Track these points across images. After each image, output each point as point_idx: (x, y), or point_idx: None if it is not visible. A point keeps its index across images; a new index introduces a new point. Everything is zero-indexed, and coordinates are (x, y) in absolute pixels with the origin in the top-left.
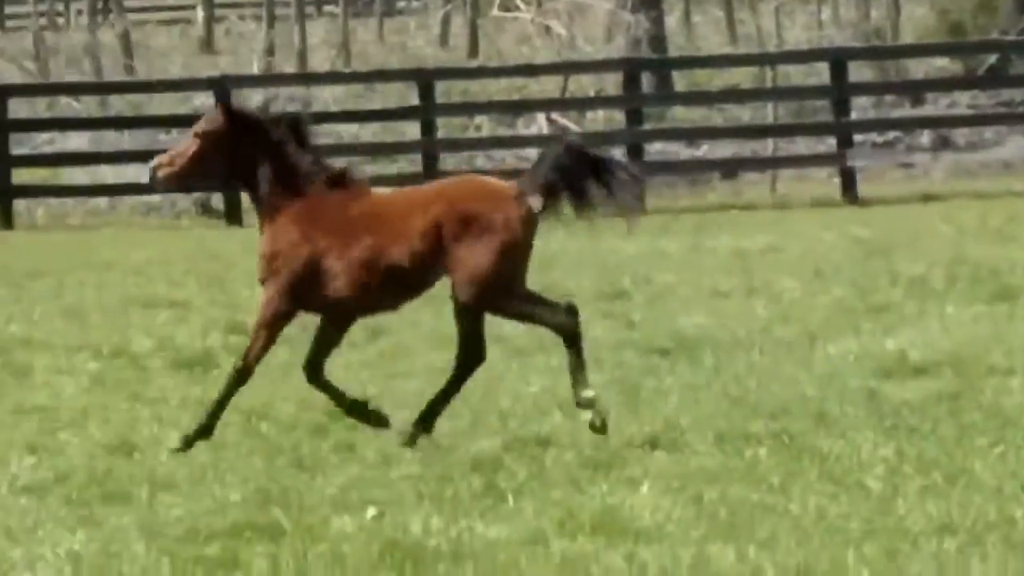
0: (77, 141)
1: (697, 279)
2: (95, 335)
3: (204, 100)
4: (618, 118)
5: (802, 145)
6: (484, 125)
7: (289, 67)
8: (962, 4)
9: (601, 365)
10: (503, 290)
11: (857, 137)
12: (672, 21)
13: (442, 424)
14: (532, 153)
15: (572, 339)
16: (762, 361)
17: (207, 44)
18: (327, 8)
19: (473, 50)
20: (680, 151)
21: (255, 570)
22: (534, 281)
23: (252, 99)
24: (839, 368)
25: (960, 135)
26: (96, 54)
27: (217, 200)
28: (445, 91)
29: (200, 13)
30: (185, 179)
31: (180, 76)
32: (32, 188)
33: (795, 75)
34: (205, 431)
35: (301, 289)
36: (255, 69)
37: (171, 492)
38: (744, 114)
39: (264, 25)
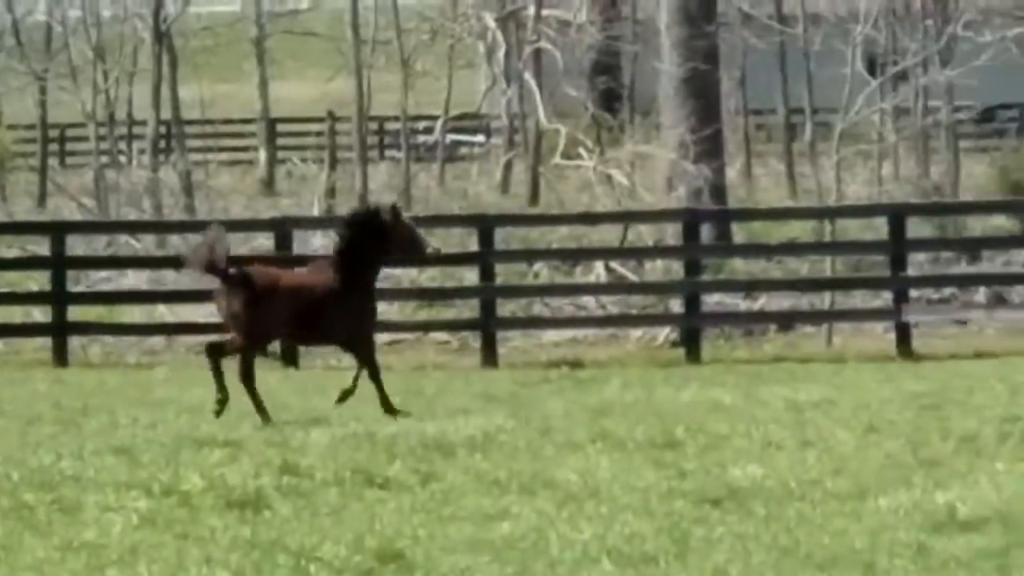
0: (135, 279)
1: (750, 430)
2: (146, 473)
3: (264, 241)
4: (676, 268)
5: (858, 299)
6: (542, 272)
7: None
8: (1021, 163)
9: (652, 514)
10: None
11: (913, 293)
12: (733, 173)
13: (492, 570)
14: (590, 301)
15: None
16: (813, 513)
17: (268, 185)
18: (389, 153)
19: (534, 197)
20: (738, 302)
21: None
22: (586, 429)
23: (312, 242)
24: (889, 521)
25: (1016, 293)
26: (157, 193)
27: (274, 343)
28: (505, 237)
29: (263, 154)
30: None
31: (241, 216)
32: (87, 325)
33: (853, 229)
34: None
35: None
36: (316, 211)
37: None
38: (802, 267)
39: (326, 167)
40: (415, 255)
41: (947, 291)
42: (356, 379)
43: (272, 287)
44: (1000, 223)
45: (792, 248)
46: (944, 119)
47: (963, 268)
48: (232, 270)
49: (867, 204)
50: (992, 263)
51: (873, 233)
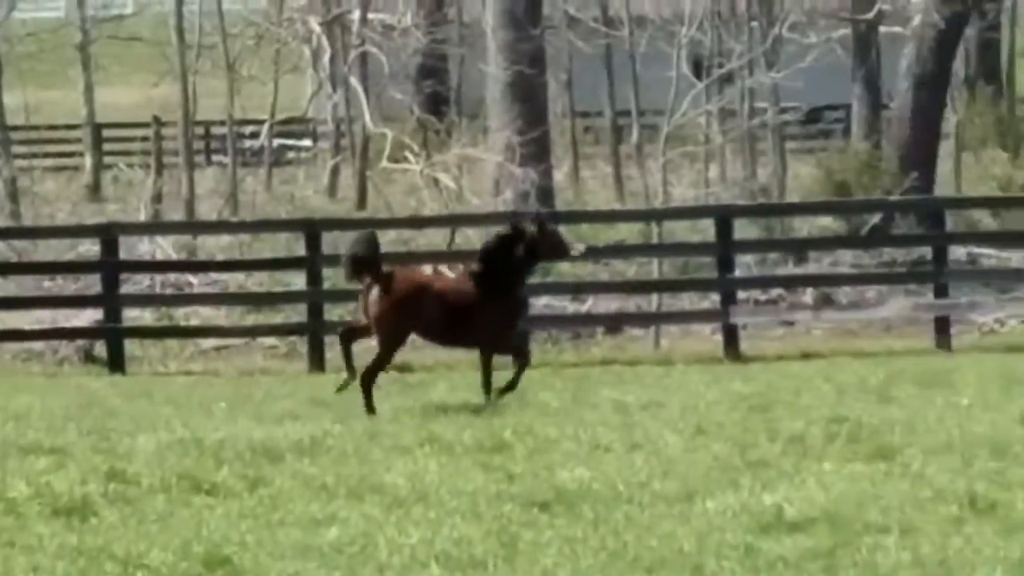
0: None
1: (578, 433)
2: None
3: (91, 247)
4: None
5: (686, 301)
6: None
7: (177, 215)
8: (847, 164)
9: (480, 517)
10: None
11: (740, 294)
12: (560, 175)
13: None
14: None
15: None
16: (641, 515)
17: (95, 191)
18: (216, 158)
19: (361, 201)
20: (565, 305)
21: None
22: (414, 433)
23: (138, 248)
24: (716, 523)
25: (842, 294)
26: None
27: (100, 348)
28: (332, 242)
29: (88, 160)
30: None
31: (67, 223)
32: None
33: (680, 231)
34: None
35: None
36: (142, 216)
37: None
38: (629, 269)
39: (152, 172)
40: (563, 257)
41: (774, 292)
42: (519, 374)
43: (420, 291)
44: (826, 224)
45: (619, 250)
46: (770, 121)
47: (790, 269)
48: (384, 272)
49: (694, 206)
50: (819, 264)
51: (700, 235)
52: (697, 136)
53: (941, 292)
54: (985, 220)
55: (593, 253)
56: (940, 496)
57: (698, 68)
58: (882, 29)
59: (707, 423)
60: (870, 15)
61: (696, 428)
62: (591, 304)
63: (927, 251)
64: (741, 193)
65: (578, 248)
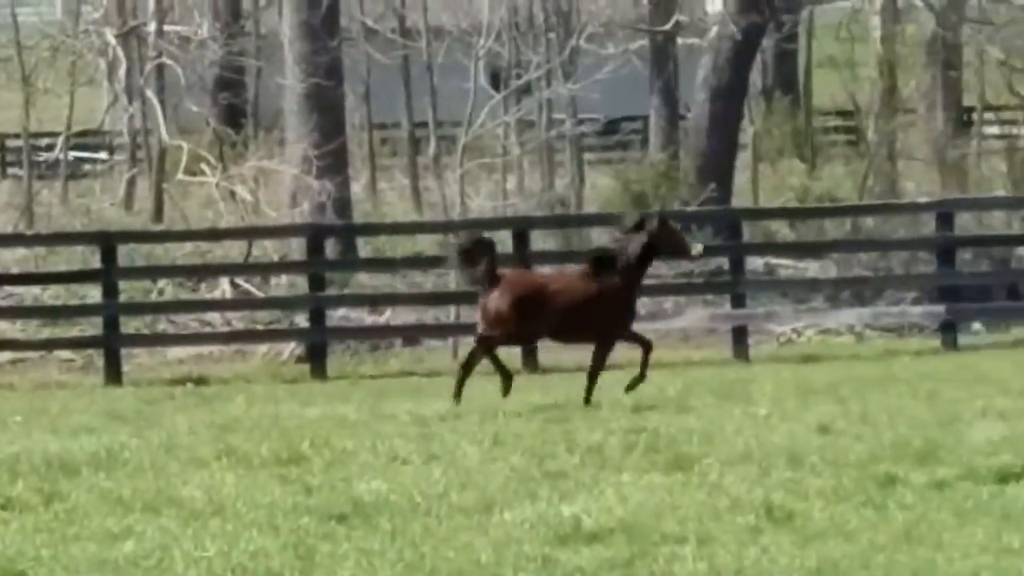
0: None
1: (376, 445)
2: None
3: None
4: (301, 283)
5: None
6: (167, 289)
7: None
8: (644, 175)
9: (278, 530)
10: None
11: None
12: (358, 187)
13: None
14: (215, 317)
15: None
16: (439, 527)
17: None
18: (12, 170)
19: (158, 214)
20: (363, 317)
21: None
22: (211, 446)
23: None
24: (514, 534)
25: (640, 304)
26: None
27: None
28: (128, 254)
29: None
30: None
31: None
32: None
33: None
34: None
35: None
36: None
37: None
38: (427, 281)
39: None
40: (682, 256)
41: None
42: (645, 365)
43: (535, 291)
44: None
45: (417, 262)
46: (568, 132)
47: None
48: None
49: (492, 217)
50: None
51: (499, 247)
52: (495, 147)
53: (738, 302)
54: (782, 231)
55: (391, 265)
56: (737, 506)
57: (496, 79)
58: (679, 40)
59: (505, 434)
60: (667, 26)
61: (494, 439)
62: (389, 316)
63: (724, 262)
64: (539, 204)
65: (697, 248)
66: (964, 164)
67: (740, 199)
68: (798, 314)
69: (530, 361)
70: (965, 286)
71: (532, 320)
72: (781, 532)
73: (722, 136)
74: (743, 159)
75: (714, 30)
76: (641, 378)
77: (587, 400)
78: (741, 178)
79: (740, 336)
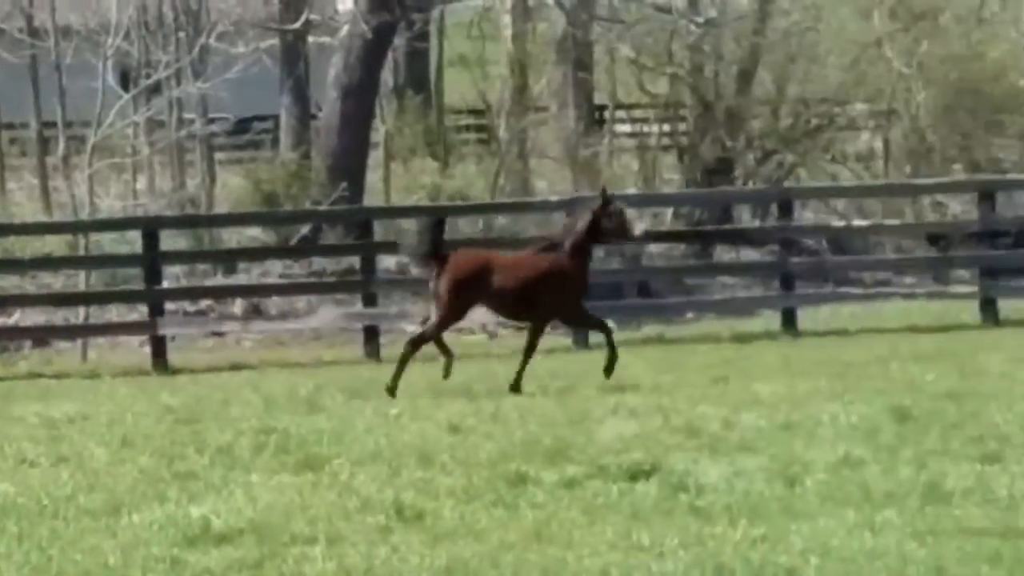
0: None
1: (3, 447)
2: None
3: None
4: None
5: (114, 313)
6: None
7: None
8: (275, 174)
9: None
10: None
11: (169, 305)
12: None
13: None
14: None
15: None
16: (66, 530)
17: None
18: None
19: None
20: None
21: None
22: None
23: None
24: (143, 536)
25: (272, 304)
26: None
27: None
28: None
29: None
30: None
31: None
32: None
33: (108, 243)
34: None
35: None
36: None
37: None
38: (56, 282)
39: None
40: (625, 238)
41: (203, 303)
42: (611, 345)
43: (481, 269)
44: (256, 234)
45: (46, 263)
46: (198, 131)
47: (219, 280)
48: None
49: (121, 218)
50: (249, 274)
51: (128, 246)
52: (125, 147)
53: (370, 302)
54: (414, 230)
55: (19, 266)
56: (367, 505)
57: (125, 79)
58: (310, 39)
59: (134, 435)
60: (297, 25)
61: (123, 441)
62: (17, 317)
63: (356, 261)
64: (169, 204)
65: (640, 229)
66: (596, 162)
67: (372, 198)
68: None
69: (160, 361)
70: (597, 284)
71: (480, 298)
72: (411, 531)
73: (353, 135)
74: (375, 158)
75: (345, 28)
76: (613, 356)
77: (515, 385)
78: (373, 177)
79: (372, 335)
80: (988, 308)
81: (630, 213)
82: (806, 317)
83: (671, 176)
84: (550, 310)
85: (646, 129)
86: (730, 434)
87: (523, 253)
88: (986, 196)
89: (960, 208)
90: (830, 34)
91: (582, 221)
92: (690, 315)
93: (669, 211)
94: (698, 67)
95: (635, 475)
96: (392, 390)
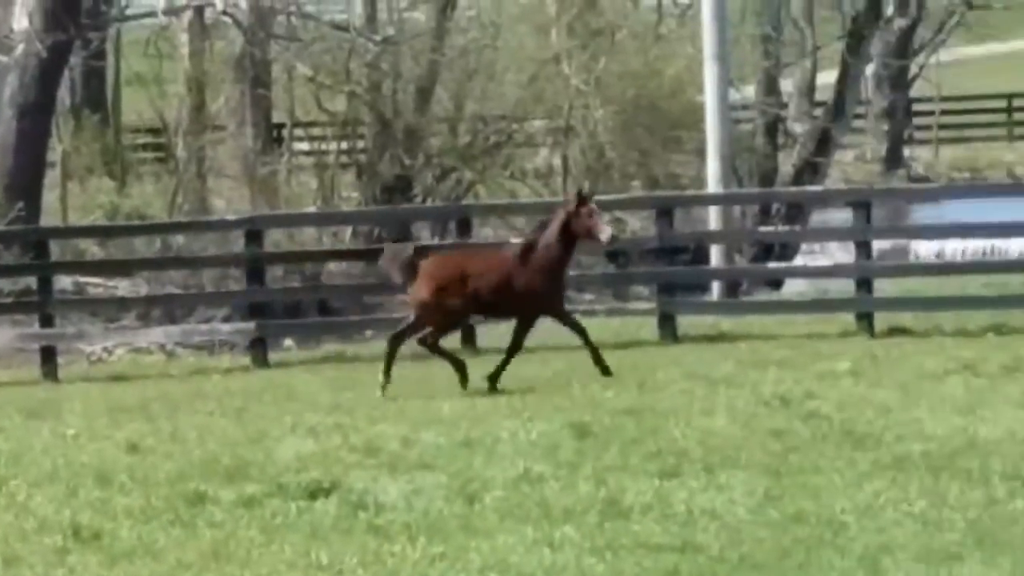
0: None
1: None
2: None
3: None
4: None
5: None
6: None
7: None
8: None
9: None
10: None
11: None
12: None
13: None
14: None
15: None
16: None
17: None
18: None
19: None
20: None
21: None
22: None
23: None
24: None
25: None
26: None
27: None
28: None
29: None
30: None
31: None
32: None
33: None
34: None
35: None
36: None
37: None
38: None
39: None
40: (592, 240)
41: None
42: (590, 345)
43: (455, 273)
44: None
45: None
46: None
47: None
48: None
49: None
50: None
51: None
52: None
53: (47, 322)
54: (92, 249)
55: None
56: (45, 526)
57: None
58: None
59: None
60: None
61: None
62: None
63: (32, 281)
64: None
65: (607, 234)
66: (274, 180)
67: (48, 218)
68: (108, 333)
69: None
70: (275, 303)
71: (457, 300)
72: (88, 552)
73: (30, 154)
74: (52, 177)
75: (20, 47)
76: (597, 358)
77: (492, 381)
78: (50, 196)
79: (49, 356)
80: (666, 324)
81: (600, 217)
82: (485, 334)
83: (350, 194)
84: (523, 309)
85: (325, 147)
86: (409, 452)
87: (497, 253)
88: (664, 212)
89: (639, 224)
90: (508, 51)
91: (556, 220)
92: (370, 333)
93: (348, 229)
94: (376, 85)
95: (314, 493)
96: (383, 387)
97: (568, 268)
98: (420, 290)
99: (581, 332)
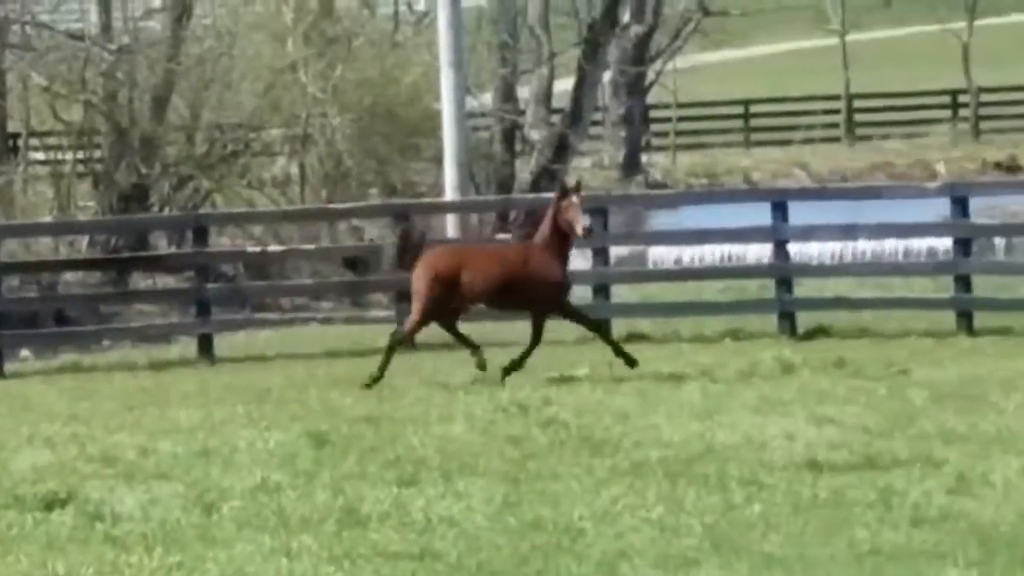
0: None
1: None
2: None
3: None
4: None
5: None
6: None
7: None
8: None
9: None
10: None
11: None
12: None
13: None
14: None
15: None
16: None
17: None
18: None
19: None
20: None
21: None
22: None
23: None
24: None
25: None
26: None
27: None
28: None
29: None
30: None
31: None
32: None
33: None
34: None
35: None
36: None
37: None
38: None
39: None
40: (571, 231)
41: None
42: (607, 339)
43: (454, 264)
44: None
45: None
46: None
47: None
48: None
49: None
50: None
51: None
52: None
53: None
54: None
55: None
56: None
57: None
58: None
59: None
60: None
61: None
62: None
63: None
64: None
65: (583, 225)
66: (9, 190)
67: None
68: None
69: None
70: (11, 313)
71: (446, 293)
72: None
73: None
74: None
75: None
76: (618, 351)
77: (512, 367)
78: None
79: None
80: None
81: (579, 210)
82: (223, 343)
83: (87, 203)
84: (522, 303)
85: (61, 156)
86: (146, 462)
87: (498, 248)
88: (401, 220)
89: (377, 232)
90: (245, 60)
91: (548, 215)
92: (107, 342)
93: (85, 239)
94: (112, 94)
95: (50, 504)
96: (376, 380)
97: (566, 261)
98: (418, 277)
99: (596, 328)
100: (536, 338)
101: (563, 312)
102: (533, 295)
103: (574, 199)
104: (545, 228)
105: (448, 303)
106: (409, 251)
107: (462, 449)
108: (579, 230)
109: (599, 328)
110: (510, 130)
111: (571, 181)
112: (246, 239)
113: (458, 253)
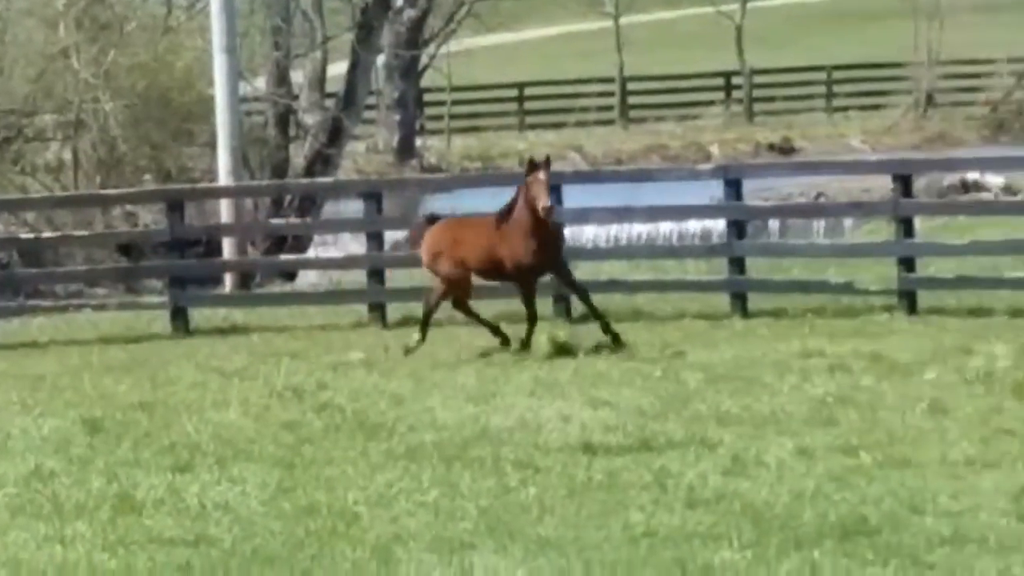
0: None
1: None
2: None
3: None
4: None
5: None
6: None
7: None
8: None
9: None
10: None
11: None
12: None
13: None
14: None
15: None
16: None
17: None
18: None
19: None
20: None
21: None
22: None
23: None
24: None
25: None
26: None
27: None
28: None
29: None
30: None
31: None
32: None
33: None
34: None
35: None
36: None
37: None
38: None
39: None
40: (534, 208)
41: None
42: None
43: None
44: None
45: None
46: None
47: None
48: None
49: None
50: None
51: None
52: None
53: None
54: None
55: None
56: None
57: None
58: None
59: None
60: None
61: None
62: None
63: None
64: None
65: (543, 204)
66: None
67: None
68: None
69: None
70: None
71: (448, 266)
72: None
73: None
74: None
75: None
76: (605, 324)
77: (525, 343)
78: None
79: None
80: (179, 317)
81: (542, 186)
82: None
83: None
84: (508, 275)
85: None
86: None
87: (485, 219)
88: (175, 206)
89: (151, 218)
90: (16, 45)
91: (522, 190)
92: None
93: None
94: None
95: None
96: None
97: (547, 233)
98: (423, 256)
99: (583, 296)
100: (528, 313)
101: (525, 288)
102: (504, 269)
103: (540, 175)
104: (521, 200)
105: (450, 272)
106: (417, 234)
107: (237, 435)
108: (539, 208)
109: (585, 295)
110: (284, 115)
111: (540, 156)
112: (19, 226)
113: (448, 228)
